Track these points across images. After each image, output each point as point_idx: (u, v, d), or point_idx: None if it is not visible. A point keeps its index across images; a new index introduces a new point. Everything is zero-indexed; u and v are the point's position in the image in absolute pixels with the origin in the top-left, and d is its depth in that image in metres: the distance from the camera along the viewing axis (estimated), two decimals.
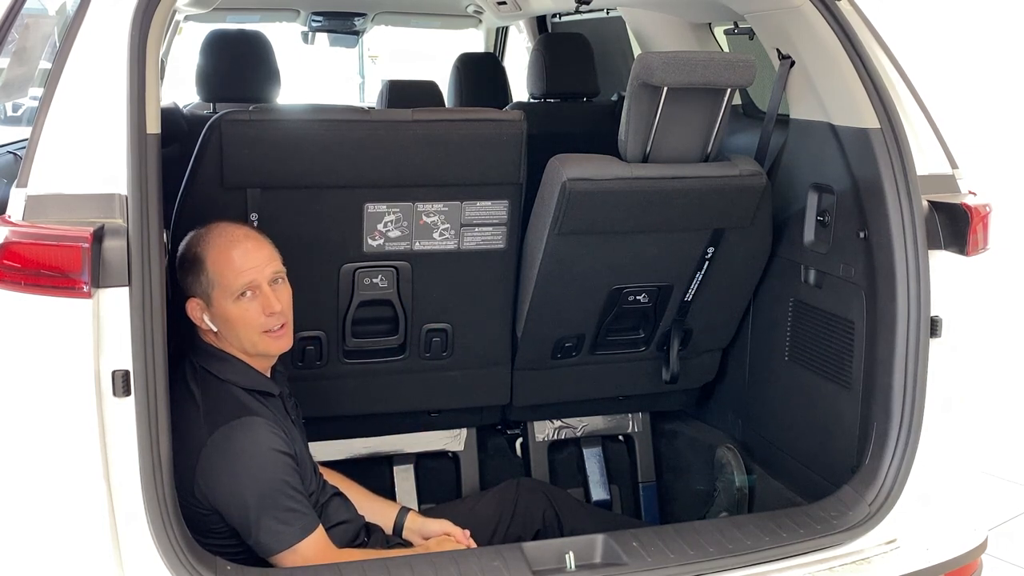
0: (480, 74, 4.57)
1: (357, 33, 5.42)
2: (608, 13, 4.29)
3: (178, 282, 2.33)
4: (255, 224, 2.50)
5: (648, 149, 2.56)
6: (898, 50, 2.59)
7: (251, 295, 2.28)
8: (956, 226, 2.39)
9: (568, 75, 3.84)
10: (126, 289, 1.89)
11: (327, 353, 2.80)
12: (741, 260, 2.89)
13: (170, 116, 3.10)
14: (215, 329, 2.30)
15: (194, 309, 2.30)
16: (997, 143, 9.01)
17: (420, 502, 3.14)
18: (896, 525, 2.39)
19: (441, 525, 2.58)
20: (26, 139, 2.04)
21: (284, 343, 2.36)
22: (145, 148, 1.95)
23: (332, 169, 2.56)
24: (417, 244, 2.71)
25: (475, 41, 5.87)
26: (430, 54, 11.22)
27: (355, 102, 9.88)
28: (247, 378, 2.34)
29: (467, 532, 2.56)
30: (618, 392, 3.25)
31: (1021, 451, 4.95)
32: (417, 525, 2.61)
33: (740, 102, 3.52)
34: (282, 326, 2.33)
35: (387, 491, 3.09)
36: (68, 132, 1.94)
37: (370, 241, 2.67)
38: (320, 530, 2.28)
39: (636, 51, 4.24)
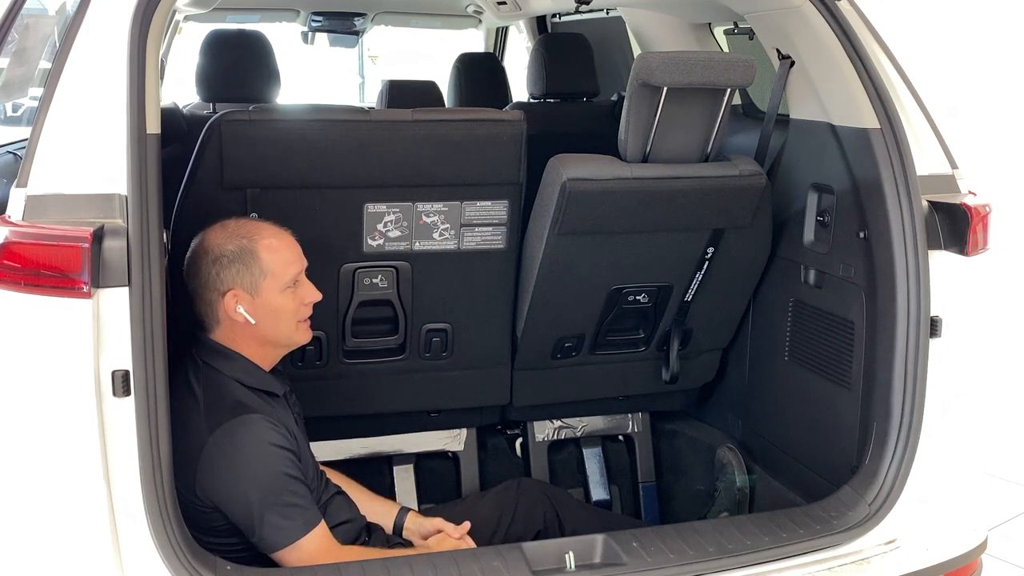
0: (480, 74, 4.57)
1: (357, 33, 5.42)
2: (608, 13, 4.29)
3: (185, 280, 2.32)
4: None
5: (648, 149, 2.56)
6: (898, 50, 2.59)
7: (294, 286, 2.33)
8: (956, 226, 2.39)
9: (568, 75, 3.84)
10: (126, 289, 1.89)
11: (327, 353, 2.80)
12: (741, 260, 2.89)
13: (170, 116, 3.10)
14: (252, 320, 2.29)
15: (231, 300, 2.29)
16: (997, 143, 9.00)
17: (420, 502, 3.14)
18: (896, 525, 2.39)
19: (434, 523, 2.59)
20: (26, 139, 2.04)
21: (310, 333, 2.44)
22: (145, 148, 1.95)
23: (332, 169, 2.56)
24: (417, 244, 2.71)
25: (475, 41, 5.87)
26: (430, 54, 11.22)
27: (355, 102, 9.88)
28: (252, 377, 2.34)
29: (464, 525, 2.56)
30: (618, 392, 3.25)
31: (1021, 451, 4.95)
32: (416, 525, 2.61)
33: (740, 102, 3.52)
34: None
35: (387, 491, 3.08)
36: (68, 132, 1.94)
37: (370, 241, 2.67)
38: (323, 525, 2.28)
39: (636, 51, 4.24)
